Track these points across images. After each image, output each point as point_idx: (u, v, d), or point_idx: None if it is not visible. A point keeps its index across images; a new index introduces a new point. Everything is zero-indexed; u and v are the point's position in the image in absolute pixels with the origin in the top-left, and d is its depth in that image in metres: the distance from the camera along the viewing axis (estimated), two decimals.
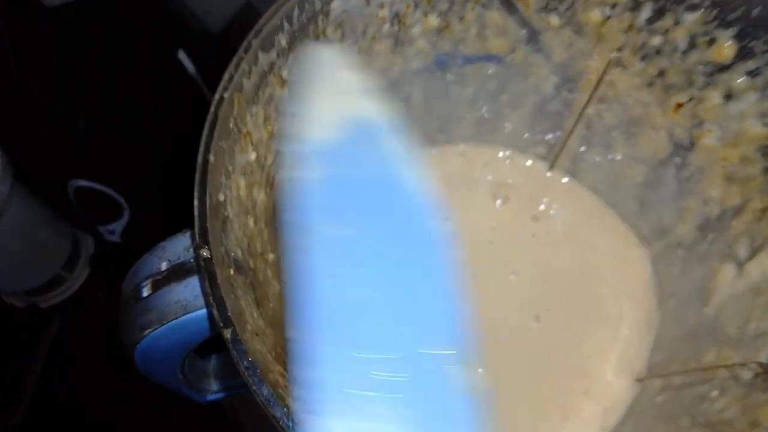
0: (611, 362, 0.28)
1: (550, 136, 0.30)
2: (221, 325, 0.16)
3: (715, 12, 0.22)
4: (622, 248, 0.30)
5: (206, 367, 0.31)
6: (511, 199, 0.32)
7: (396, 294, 0.16)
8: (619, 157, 0.29)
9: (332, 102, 0.19)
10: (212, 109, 0.19)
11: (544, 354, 0.28)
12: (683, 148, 0.26)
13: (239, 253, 0.19)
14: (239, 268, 0.19)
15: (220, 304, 0.16)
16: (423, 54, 0.27)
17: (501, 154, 0.32)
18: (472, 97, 0.30)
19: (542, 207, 0.31)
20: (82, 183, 0.42)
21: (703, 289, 0.25)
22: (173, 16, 0.43)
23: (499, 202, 0.32)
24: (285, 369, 0.19)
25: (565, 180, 0.32)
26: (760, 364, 0.20)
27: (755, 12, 0.21)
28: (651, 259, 0.30)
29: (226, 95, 0.19)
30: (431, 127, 0.31)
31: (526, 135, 0.31)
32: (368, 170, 0.18)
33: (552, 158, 0.31)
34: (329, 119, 0.19)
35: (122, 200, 0.43)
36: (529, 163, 0.32)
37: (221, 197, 0.18)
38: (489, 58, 0.27)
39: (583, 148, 0.30)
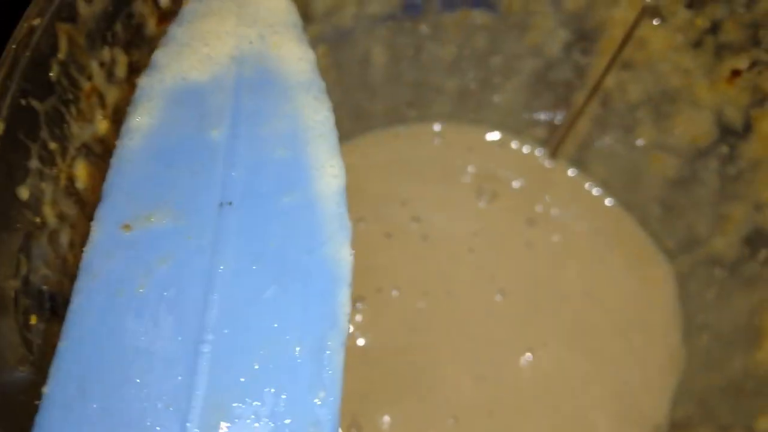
0: (620, 413, 0.24)
1: (553, 115, 0.26)
2: None
3: None
4: (639, 263, 0.26)
5: None
6: (501, 197, 0.27)
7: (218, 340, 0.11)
8: (643, 145, 0.25)
9: (234, 29, 0.13)
10: (11, 45, 0.11)
11: (537, 401, 0.24)
12: (734, 134, 0.22)
13: (64, 283, 0.12)
14: (56, 309, 0.12)
15: None
16: None
17: (489, 136, 0.28)
18: (453, 58, 0.25)
19: (539, 208, 0.27)
20: None
21: (752, 326, 0.21)
22: None
23: (484, 199, 0.27)
24: None
25: (570, 173, 0.27)
26: None
27: None
28: (676, 279, 0.25)
29: (38, 24, 0.11)
30: (399, 98, 0.26)
31: (522, 112, 0.27)
32: (245, 139, 0.12)
33: (554, 144, 0.27)
34: (219, 52, 0.13)
35: None
36: (524, 149, 0.28)
37: (23, 194, 0.11)
38: (477, 2, 0.22)
39: (594, 131, 0.26)
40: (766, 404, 0.19)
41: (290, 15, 0.14)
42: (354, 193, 0.26)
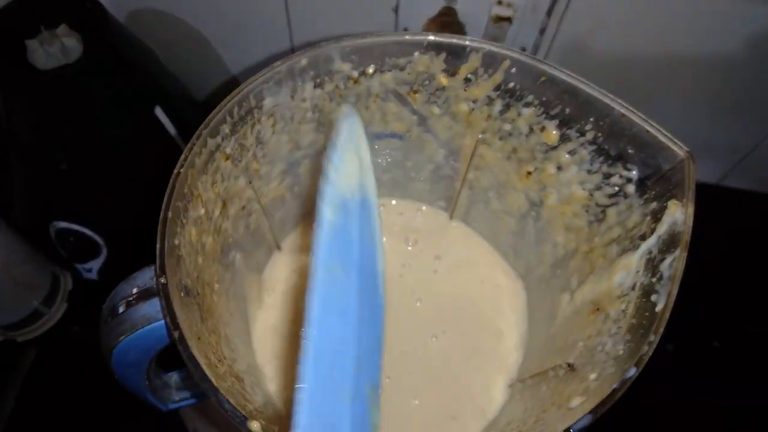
0: (493, 374, 0.34)
1: (446, 193, 0.38)
2: (172, 328, 0.23)
3: (542, 109, 0.30)
4: (504, 282, 0.37)
5: (168, 380, 0.38)
6: (419, 242, 0.39)
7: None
8: (495, 211, 0.36)
9: (359, 169, 0.24)
10: (171, 180, 0.26)
11: (440, 366, 0.34)
12: (536, 205, 0.33)
13: (189, 282, 0.27)
14: (188, 293, 0.26)
15: (171, 315, 0.23)
16: None
17: (412, 206, 0.40)
18: (385, 164, 0.37)
19: (443, 248, 0.38)
20: (63, 224, 0.45)
21: (551, 314, 0.33)
22: (152, 75, 0.48)
23: (409, 244, 0.39)
24: (220, 365, 0.26)
25: (461, 227, 0.39)
26: (569, 364, 0.28)
27: (567, 110, 0.30)
28: (526, 292, 0.37)
29: (182, 171, 0.27)
30: None
31: (429, 192, 0.39)
32: (359, 226, 0.23)
33: (451, 210, 0.39)
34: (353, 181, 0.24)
35: (101, 240, 0.46)
36: (433, 213, 0.40)
37: (176, 241, 0.26)
38: (393, 135, 0.34)
39: (469, 203, 0.38)
40: (549, 353, 0.32)
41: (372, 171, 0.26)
42: None
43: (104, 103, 0.42)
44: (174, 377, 0.37)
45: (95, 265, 0.48)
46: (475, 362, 0.35)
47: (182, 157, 0.27)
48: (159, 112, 0.46)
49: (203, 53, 0.55)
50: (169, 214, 0.26)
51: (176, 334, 0.23)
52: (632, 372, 0.22)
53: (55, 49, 0.40)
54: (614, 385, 0.22)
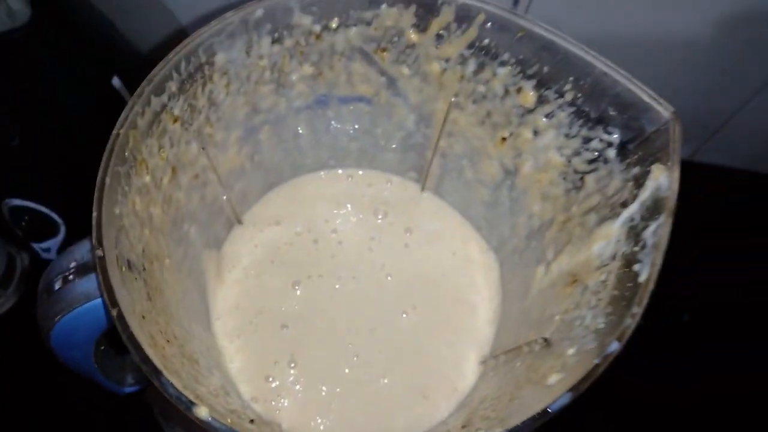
0: (465, 350, 0.33)
1: (417, 163, 0.36)
2: (110, 305, 0.21)
3: (518, 68, 0.28)
4: (476, 255, 0.36)
5: (123, 362, 0.35)
6: (389, 214, 0.37)
7: None
8: (468, 181, 0.34)
9: None
10: (110, 142, 0.24)
11: (410, 342, 0.33)
12: (511, 173, 0.31)
13: (133, 256, 0.24)
14: (131, 267, 0.24)
15: (109, 290, 0.21)
16: (303, 95, 0.32)
17: (381, 176, 0.38)
18: (351, 131, 0.35)
19: (414, 221, 0.37)
20: (18, 202, 0.43)
21: (526, 287, 0.31)
22: (109, 42, 0.45)
23: (379, 216, 0.37)
24: (169, 345, 0.24)
25: (432, 198, 0.37)
26: (544, 339, 0.27)
27: (545, 69, 0.28)
28: (499, 264, 0.36)
29: (121, 132, 0.24)
30: (322, 155, 0.37)
31: (400, 162, 0.37)
32: None
33: (422, 181, 0.37)
34: None
35: (58, 219, 0.44)
36: (404, 184, 0.38)
37: (117, 211, 0.23)
38: (360, 99, 0.32)
39: (442, 173, 0.36)
40: (524, 328, 0.29)
41: None
42: (294, 215, 0.38)
43: (57, 71, 0.40)
44: (130, 358, 0.35)
45: (54, 244, 0.46)
46: (447, 338, 0.33)
47: (122, 116, 0.24)
48: (117, 82, 0.43)
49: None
50: (108, 180, 0.23)
51: (114, 312, 0.21)
52: (615, 346, 0.21)
53: (0, 12, 0.37)
54: (595, 361, 0.21)
